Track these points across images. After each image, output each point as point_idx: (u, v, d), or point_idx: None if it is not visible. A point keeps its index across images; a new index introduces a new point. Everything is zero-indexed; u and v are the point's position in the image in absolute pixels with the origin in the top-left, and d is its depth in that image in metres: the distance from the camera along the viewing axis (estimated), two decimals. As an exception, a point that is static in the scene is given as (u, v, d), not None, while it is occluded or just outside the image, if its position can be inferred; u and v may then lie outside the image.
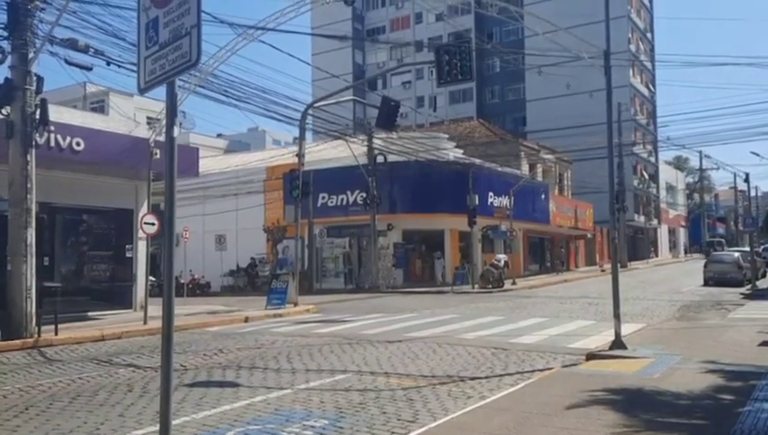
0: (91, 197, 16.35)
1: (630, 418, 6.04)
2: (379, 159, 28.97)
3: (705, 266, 28.95)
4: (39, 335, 12.08)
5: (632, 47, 57.91)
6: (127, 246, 17.52)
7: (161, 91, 4.13)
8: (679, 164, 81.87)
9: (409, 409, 6.66)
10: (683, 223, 75.61)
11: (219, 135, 62.91)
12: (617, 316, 10.12)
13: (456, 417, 6.24)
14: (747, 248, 33.43)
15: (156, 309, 14.53)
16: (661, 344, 10.50)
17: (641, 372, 8.22)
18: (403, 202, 30.83)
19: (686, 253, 69.31)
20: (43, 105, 12.12)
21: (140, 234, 16.43)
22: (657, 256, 62.49)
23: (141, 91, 4.13)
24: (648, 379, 7.82)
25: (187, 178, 20.31)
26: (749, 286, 25.41)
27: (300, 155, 21.96)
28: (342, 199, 31.29)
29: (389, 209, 30.17)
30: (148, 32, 3.98)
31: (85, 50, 12.85)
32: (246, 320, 16.46)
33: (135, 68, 4.27)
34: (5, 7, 11.84)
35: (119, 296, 17.29)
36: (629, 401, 6.71)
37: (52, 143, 13.58)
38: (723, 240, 66.19)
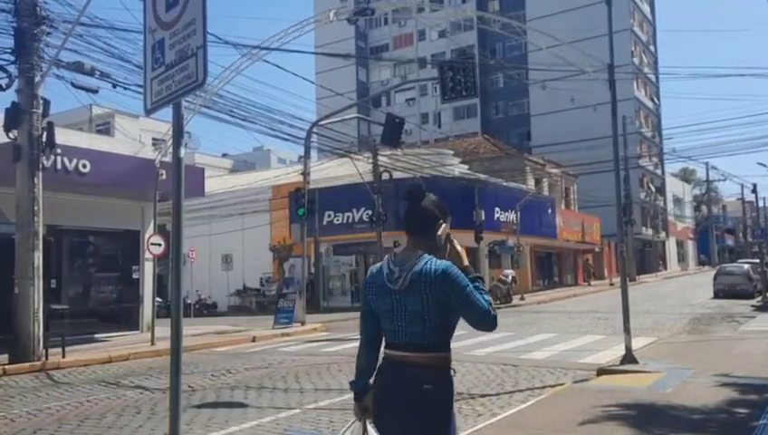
0: (97, 218, 16.39)
1: (644, 433, 5.96)
2: (385, 176, 28.99)
3: (715, 279, 28.75)
4: (47, 358, 12.06)
5: (635, 60, 58.05)
6: (134, 268, 17.53)
7: (166, 112, 4.14)
8: (686, 176, 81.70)
9: (420, 427, 6.58)
10: (691, 235, 75.27)
11: (224, 155, 63.18)
12: (627, 330, 10.04)
13: (468, 435, 6.17)
14: (757, 260, 33.22)
15: (163, 330, 14.55)
16: (673, 358, 10.39)
17: (653, 387, 8.13)
18: (409, 219, 30.82)
19: (703, 265, 68.60)
20: (50, 128, 12.20)
21: (147, 255, 16.46)
22: (665, 268, 62.17)
23: (148, 113, 4.13)
24: (661, 393, 7.73)
25: (193, 199, 20.36)
26: (760, 298, 25.21)
27: (305, 173, 22.01)
28: (348, 217, 31.29)
29: (396, 227, 30.09)
30: (155, 53, 3.99)
31: (91, 73, 12.95)
32: (254, 340, 16.41)
33: (140, 90, 4.29)
34: (12, 32, 11.95)
35: (126, 318, 17.28)
36: (643, 416, 6.63)
37: (59, 166, 13.65)
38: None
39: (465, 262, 2.84)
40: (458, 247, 2.88)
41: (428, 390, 2.61)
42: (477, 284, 2.71)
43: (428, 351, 2.65)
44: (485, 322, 2.63)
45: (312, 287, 31.59)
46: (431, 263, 2.68)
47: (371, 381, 2.81)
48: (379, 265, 2.86)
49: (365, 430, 2.83)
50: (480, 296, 2.65)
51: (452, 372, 2.71)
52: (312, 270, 32.03)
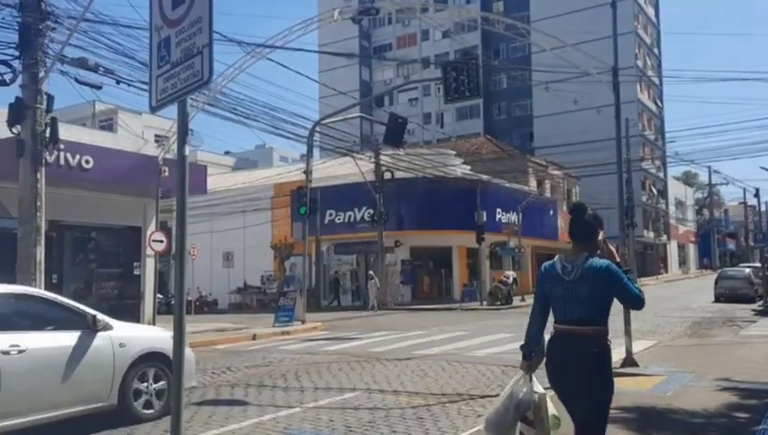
0: (99, 214, 16.41)
1: (644, 437, 5.96)
2: (387, 175, 29.01)
3: (716, 283, 28.71)
4: (48, 353, 12.06)
5: (639, 63, 58.00)
6: (135, 264, 17.54)
7: (170, 109, 4.15)
8: (688, 179, 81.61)
9: (419, 428, 6.59)
10: (692, 239, 75.19)
11: (227, 152, 63.24)
12: (628, 333, 10.04)
13: (467, 436, 6.17)
14: (758, 264, 33.18)
15: (164, 327, 14.56)
16: (673, 362, 10.39)
17: (654, 390, 8.13)
18: (410, 219, 30.83)
19: (705, 268, 68.37)
20: (54, 124, 12.20)
21: (149, 251, 16.48)
22: (666, 272, 62.10)
23: (153, 110, 4.14)
24: (661, 396, 7.73)
25: (195, 196, 20.38)
26: (761, 303, 25.18)
27: (307, 172, 22.04)
28: (350, 216, 31.33)
29: (397, 226, 30.18)
30: (160, 51, 4.00)
31: (95, 69, 12.95)
32: (254, 338, 16.43)
33: (144, 86, 4.31)
34: (17, 27, 11.96)
35: (127, 314, 17.22)
36: (643, 419, 6.62)
37: (62, 161, 13.67)
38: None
39: (617, 259, 3.79)
40: (612, 248, 3.83)
41: (594, 352, 3.65)
42: (629, 275, 3.70)
43: (593, 325, 3.67)
44: (637, 304, 3.72)
45: (335, 285, 31.64)
46: (596, 261, 3.71)
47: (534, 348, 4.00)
48: (550, 262, 3.89)
49: (531, 380, 3.99)
50: (633, 285, 3.68)
51: (609, 340, 3.70)
52: (335, 269, 32.01)
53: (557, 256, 3.84)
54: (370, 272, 28.33)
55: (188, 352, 7.01)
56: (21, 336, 6.28)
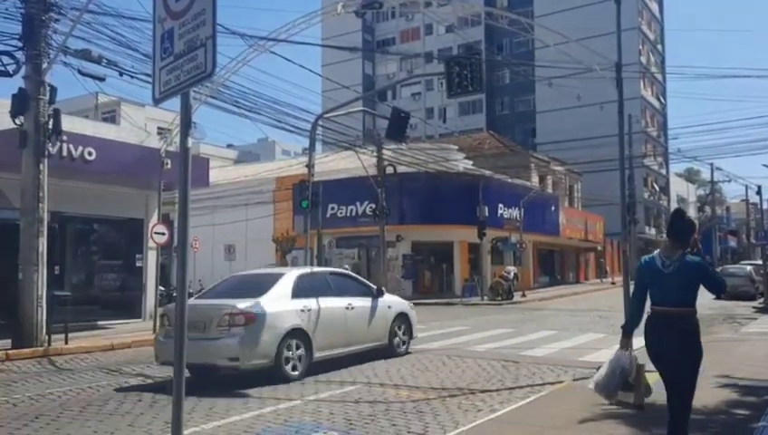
0: (101, 206, 16.44)
1: (643, 432, 5.97)
2: (389, 170, 28.97)
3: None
4: (49, 344, 12.12)
5: (642, 59, 57.85)
6: (137, 256, 17.58)
7: (173, 101, 4.15)
8: (690, 176, 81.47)
9: (419, 421, 6.61)
10: (695, 235, 75.03)
11: (229, 145, 63.21)
12: (628, 329, 10.02)
13: (467, 430, 6.19)
14: (760, 262, 33.14)
15: (165, 319, 14.59)
16: (673, 358, 10.39)
17: (653, 386, 8.12)
18: (412, 213, 30.82)
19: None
20: (56, 115, 12.22)
21: (151, 243, 16.50)
22: (667, 268, 62.00)
23: (156, 102, 4.15)
24: (661, 393, 7.71)
25: (197, 189, 20.39)
26: (762, 300, 25.15)
27: (309, 166, 21.97)
28: (352, 210, 31.30)
29: (399, 220, 30.14)
30: (164, 43, 4.00)
31: (98, 60, 12.95)
32: (255, 330, 16.44)
33: (148, 78, 4.32)
34: (21, 18, 11.96)
35: (128, 306, 17.33)
36: (642, 415, 6.63)
37: (65, 153, 13.69)
38: None
39: (704, 257, 4.88)
40: (699, 246, 4.81)
41: (687, 328, 4.66)
42: (712, 269, 5.02)
43: (685, 307, 4.67)
44: (720, 290, 4.84)
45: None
46: (690, 257, 4.71)
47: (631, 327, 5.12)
48: (648, 256, 4.91)
49: (631, 353, 5.26)
50: (718, 277, 4.93)
51: (697, 318, 4.70)
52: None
53: (656, 253, 4.87)
54: (346, 266, 25.97)
55: (413, 313, 11.81)
56: (350, 299, 10.35)
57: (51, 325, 12.33)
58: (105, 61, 13.07)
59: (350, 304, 10.20)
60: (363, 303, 10.59)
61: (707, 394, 7.57)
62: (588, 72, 13.10)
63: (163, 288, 21.74)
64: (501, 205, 32.49)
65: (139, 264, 17.55)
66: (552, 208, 38.93)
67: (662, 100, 66.08)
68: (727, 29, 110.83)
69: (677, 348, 4.65)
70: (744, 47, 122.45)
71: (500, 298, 27.10)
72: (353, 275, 12.04)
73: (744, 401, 7.30)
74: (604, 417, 6.54)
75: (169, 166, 14.90)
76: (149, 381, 9.21)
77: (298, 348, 9.10)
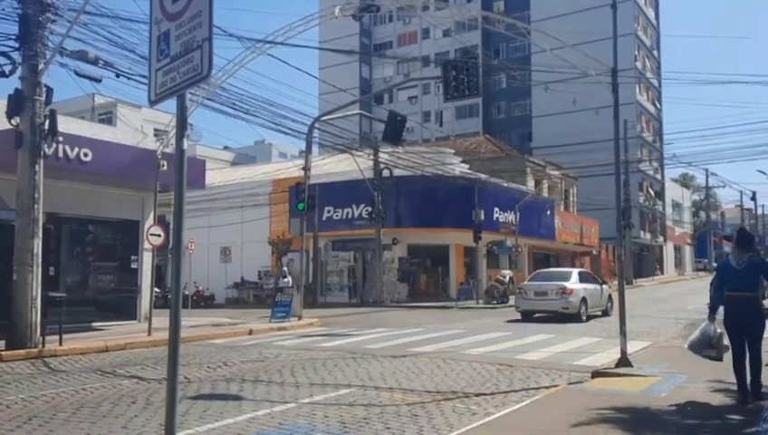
0: (97, 207, 16.40)
1: (637, 437, 5.98)
2: (385, 173, 29.01)
3: (712, 284, 28.71)
4: (43, 345, 12.07)
5: (638, 64, 58.04)
6: (132, 258, 17.53)
7: (169, 102, 4.15)
8: (685, 181, 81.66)
9: (414, 425, 6.61)
10: (689, 241, 75.28)
11: (226, 147, 63.10)
12: (623, 334, 10.05)
13: (461, 434, 6.19)
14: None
15: (160, 321, 14.57)
16: (668, 363, 10.41)
17: (648, 391, 8.15)
18: (408, 217, 30.84)
19: (701, 270, 68.21)
20: (52, 116, 12.20)
21: (146, 245, 16.47)
22: (662, 273, 62.18)
23: (152, 104, 4.15)
24: (655, 397, 7.75)
25: (194, 190, 20.36)
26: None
27: (306, 168, 22.00)
28: (348, 213, 31.31)
29: (395, 224, 30.18)
30: (160, 44, 4.01)
31: (95, 62, 12.95)
32: (250, 333, 16.44)
33: (144, 80, 4.32)
34: (17, 18, 11.94)
35: (123, 307, 17.28)
36: (636, 420, 6.65)
37: (60, 154, 13.65)
38: None
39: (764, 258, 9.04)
40: (758, 250, 6.58)
41: (754, 307, 7.19)
42: None
43: (751, 292, 7.17)
44: None
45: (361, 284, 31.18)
46: (755, 258, 7.54)
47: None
48: (725, 258, 7.85)
49: (715, 328, 7.64)
50: None
51: (761, 301, 7.21)
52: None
53: (729, 256, 7.59)
54: (284, 268, 23.07)
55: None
56: (586, 285, 19.93)
57: (45, 326, 12.28)
58: (102, 62, 13.07)
59: (586, 288, 19.82)
60: (596, 287, 20.60)
61: (701, 398, 7.60)
62: (584, 77, 13.15)
63: (158, 290, 21.73)
64: (497, 208, 32.54)
65: (134, 265, 17.50)
66: (548, 212, 39.00)
67: (658, 105, 66.27)
68: (723, 35, 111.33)
69: (750, 317, 7.12)
70: (740, 54, 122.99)
71: (495, 302, 27.11)
72: (589, 272, 24.31)
73: (738, 406, 7.31)
74: (599, 421, 6.55)
75: (165, 167, 14.86)
76: (144, 382, 9.18)
77: (584, 305, 19.06)
